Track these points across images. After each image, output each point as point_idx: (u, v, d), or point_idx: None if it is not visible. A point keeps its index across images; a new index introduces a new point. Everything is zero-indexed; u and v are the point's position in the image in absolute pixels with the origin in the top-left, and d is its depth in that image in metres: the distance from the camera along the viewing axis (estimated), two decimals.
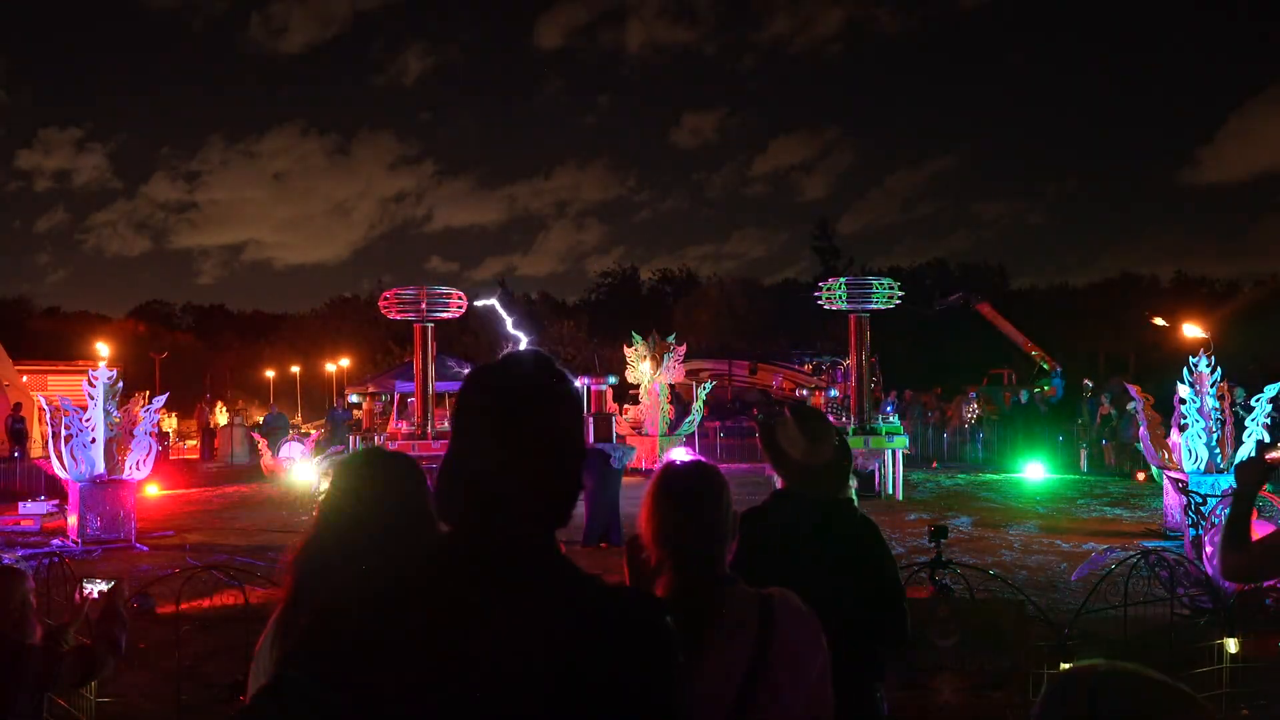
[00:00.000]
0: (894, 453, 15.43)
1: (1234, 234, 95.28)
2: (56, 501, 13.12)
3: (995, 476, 18.10)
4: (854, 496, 3.17)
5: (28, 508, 13.08)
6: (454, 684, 1.30)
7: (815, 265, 57.95)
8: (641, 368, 20.01)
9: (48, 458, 12.62)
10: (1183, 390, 11.28)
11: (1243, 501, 3.02)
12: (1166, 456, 11.72)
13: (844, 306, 16.05)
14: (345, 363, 43.77)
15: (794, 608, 2.00)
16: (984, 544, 11.16)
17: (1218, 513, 8.39)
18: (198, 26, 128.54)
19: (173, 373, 40.52)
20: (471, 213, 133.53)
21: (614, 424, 14.14)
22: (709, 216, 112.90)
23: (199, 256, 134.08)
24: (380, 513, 1.95)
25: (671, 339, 20.69)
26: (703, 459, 2.59)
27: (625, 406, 21.08)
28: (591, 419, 13.47)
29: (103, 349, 14.63)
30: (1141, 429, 12.26)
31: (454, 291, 17.22)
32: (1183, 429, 11.27)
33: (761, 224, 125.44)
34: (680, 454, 15.51)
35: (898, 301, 16.32)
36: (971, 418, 22.52)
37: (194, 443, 27.85)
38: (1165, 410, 11.91)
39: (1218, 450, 11.08)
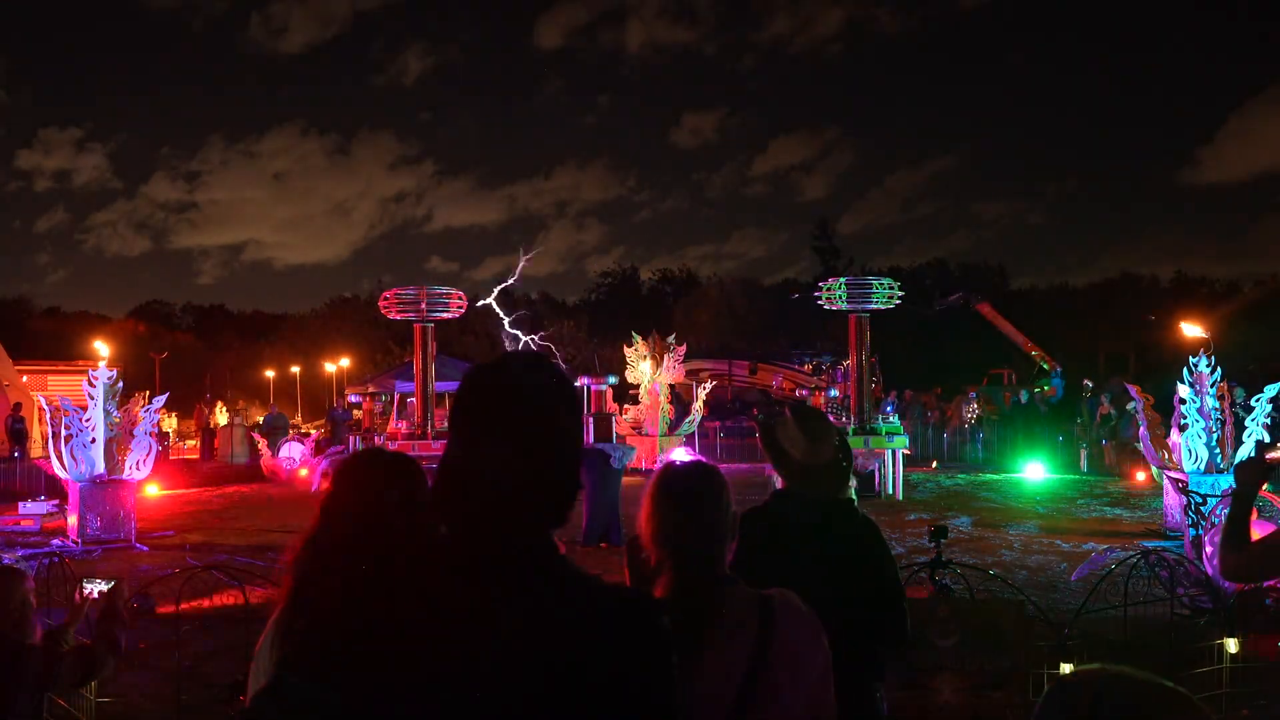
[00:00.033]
0: (894, 453, 15.43)
1: (1234, 234, 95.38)
2: (56, 501, 13.12)
3: (995, 476, 18.10)
4: (854, 496, 3.17)
5: (28, 508, 13.08)
6: (453, 684, 1.30)
7: (815, 265, 58.03)
8: (641, 368, 20.02)
9: (48, 458, 12.62)
10: (1183, 390, 11.28)
11: (1242, 501, 3.02)
12: (1166, 456, 11.72)
13: (844, 306, 16.06)
14: (345, 363, 43.73)
15: (794, 608, 2.00)
16: (984, 544, 11.16)
17: (1218, 513, 8.39)
18: (198, 26, 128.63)
19: (173, 373, 40.51)
20: (471, 213, 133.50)
21: (614, 424, 14.15)
22: (709, 216, 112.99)
23: (199, 256, 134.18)
24: (380, 513, 1.95)
25: (671, 339, 20.71)
26: (703, 459, 2.59)
27: (625, 406, 21.08)
28: (591, 419, 13.49)
29: (103, 349, 14.61)
30: (1141, 429, 12.27)
31: (454, 291, 17.23)
32: (1183, 429, 11.27)
33: (761, 224, 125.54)
34: (680, 454, 15.52)
35: (898, 301, 16.32)
36: (971, 418, 22.52)
37: (194, 443, 27.85)
38: (1165, 410, 11.91)
39: (1218, 450, 11.08)
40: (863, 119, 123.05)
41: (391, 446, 13.34)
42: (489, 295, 21.09)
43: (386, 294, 17.12)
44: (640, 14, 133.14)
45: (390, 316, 17.48)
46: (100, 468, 11.85)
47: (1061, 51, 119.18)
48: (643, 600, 1.48)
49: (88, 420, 11.90)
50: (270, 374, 46.77)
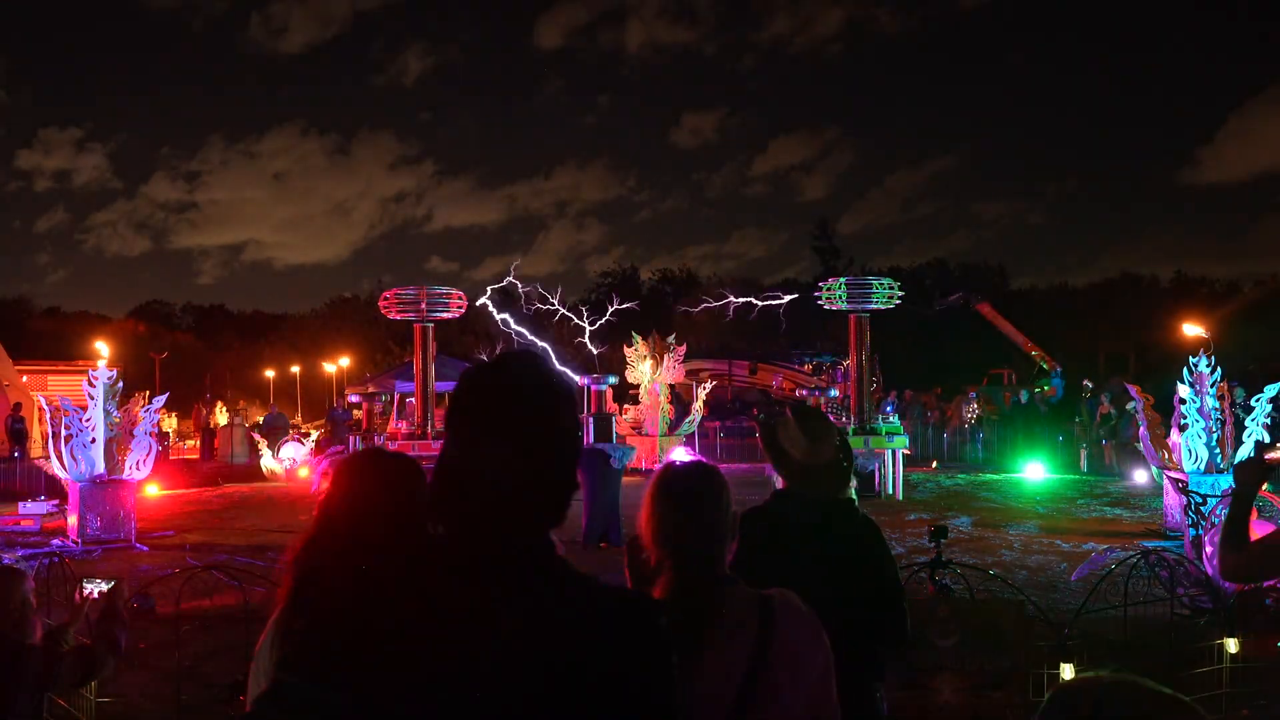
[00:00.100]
0: (894, 453, 15.44)
1: (1234, 234, 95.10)
2: (56, 501, 13.12)
3: (995, 476, 18.10)
4: (854, 496, 3.17)
5: (28, 508, 13.08)
6: (453, 684, 1.30)
7: (815, 265, 57.96)
8: (641, 368, 20.03)
9: (48, 458, 12.62)
10: (1183, 390, 11.28)
11: (1242, 501, 3.02)
12: (1166, 456, 11.73)
13: (844, 306, 16.06)
14: (345, 363, 43.74)
15: (794, 608, 2.00)
16: (984, 544, 11.16)
17: (1218, 513, 8.39)
18: (198, 26, 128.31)
19: (173, 373, 40.51)
20: (471, 213, 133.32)
21: (614, 424, 14.15)
22: (709, 216, 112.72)
23: (199, 256, 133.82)
24: (380, 513, 1.95)
25: (671, 339, 20.71)
26: (703, 459, 2.59)
27: (625, 406, 21.09)
28: (591, 419, 13.48)
29: (103, 349, 14.60)
30: (1141, 429, 12.27)
31: (454, 291, 17.24)
32: (1183, 429, 11.28)
33: (761, 224, 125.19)
34: (680, 454, 15.53)
35: (898, 301, 16.33)
36: (971, 418, 22.53)
37: (194, 443, 27.85)
38: (1165, 410, 11.91)
39: (1217, 450, 11.08)
40: (863, 119, 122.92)
41: (391, 446, 13.35)
42: (485, 295, 21.06)
43: (386, 294, 17.13)
44: (640, 14, 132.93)
45: (390, 316, 17.49)
46: (100, 468, 11.85)
47: (1061, 51, 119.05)
48: (642, 600, 1.48)
49: (88, 420, 11.90)
50: (270, 374, 46.77)
